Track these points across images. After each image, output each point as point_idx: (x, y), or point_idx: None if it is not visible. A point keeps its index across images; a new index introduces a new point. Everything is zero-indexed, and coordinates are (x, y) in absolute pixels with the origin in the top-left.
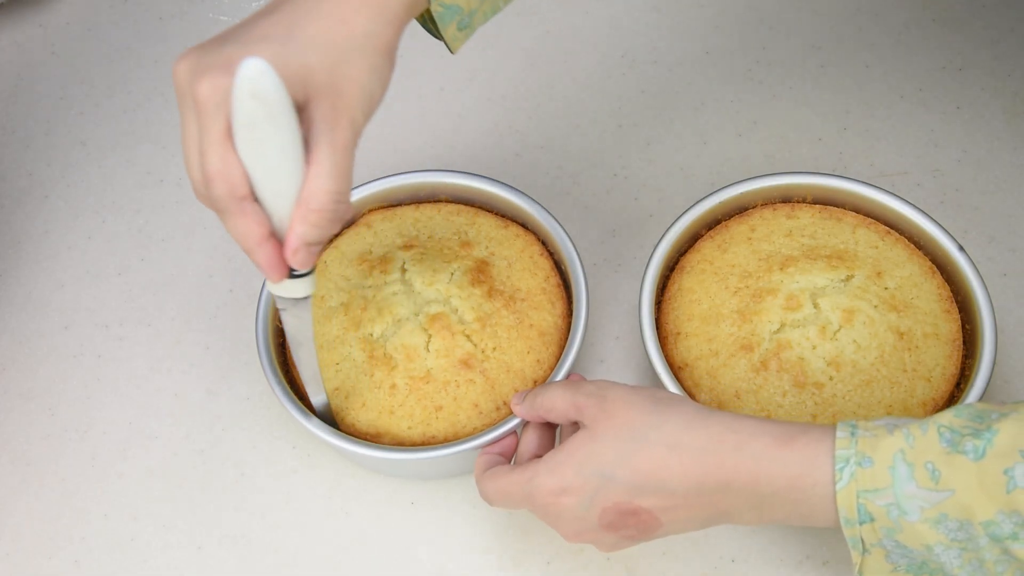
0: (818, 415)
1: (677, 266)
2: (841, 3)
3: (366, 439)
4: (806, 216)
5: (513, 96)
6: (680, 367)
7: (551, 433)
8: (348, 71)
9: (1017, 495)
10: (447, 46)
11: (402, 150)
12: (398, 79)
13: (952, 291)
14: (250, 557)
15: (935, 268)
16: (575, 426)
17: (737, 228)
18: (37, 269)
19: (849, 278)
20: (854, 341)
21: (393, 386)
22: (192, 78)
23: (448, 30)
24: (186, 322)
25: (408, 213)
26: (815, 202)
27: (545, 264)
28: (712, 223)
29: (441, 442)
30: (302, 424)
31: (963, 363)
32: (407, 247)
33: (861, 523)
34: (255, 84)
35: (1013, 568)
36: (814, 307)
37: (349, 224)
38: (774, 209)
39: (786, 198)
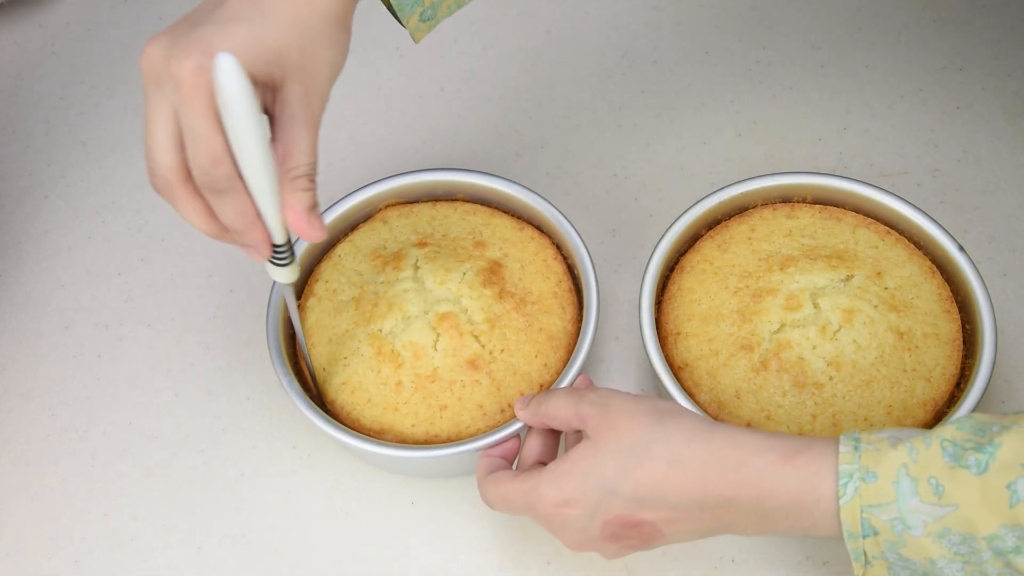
0: (818, 415)
1: (677, 266)
2: (841, 3)
3: (369, 435)
4: (806, 216)
5: (513, 96)
6: (680, 367)
7: (554, 439)
8: (317, 49)
9: (1020, 509)
10: (410, 35)
11: (402, 150)
12: (398, 79)
13: (952, 291)
14: (250, 557)
15: (935, 268)
16: (579, 434)
17: (737, 228)
18: (37, 269)
19: (849, 278)
20: (854, 341)
21: (399, 383)
22: (170, 60)
23: (410, 20)
24: (186, 322)
25: (424, 210)
26: (815, 202)
27: (558, 268)
28: (712, 223)
29: (444, 442)
30: (308, 417)
31: (963, 363)
32: (421, 244)
33: (865, 537)
34: (227, 76)
35: None
36: (814, 307)
37: (365, 218)
38: (774, 209)
39: (786, 198)
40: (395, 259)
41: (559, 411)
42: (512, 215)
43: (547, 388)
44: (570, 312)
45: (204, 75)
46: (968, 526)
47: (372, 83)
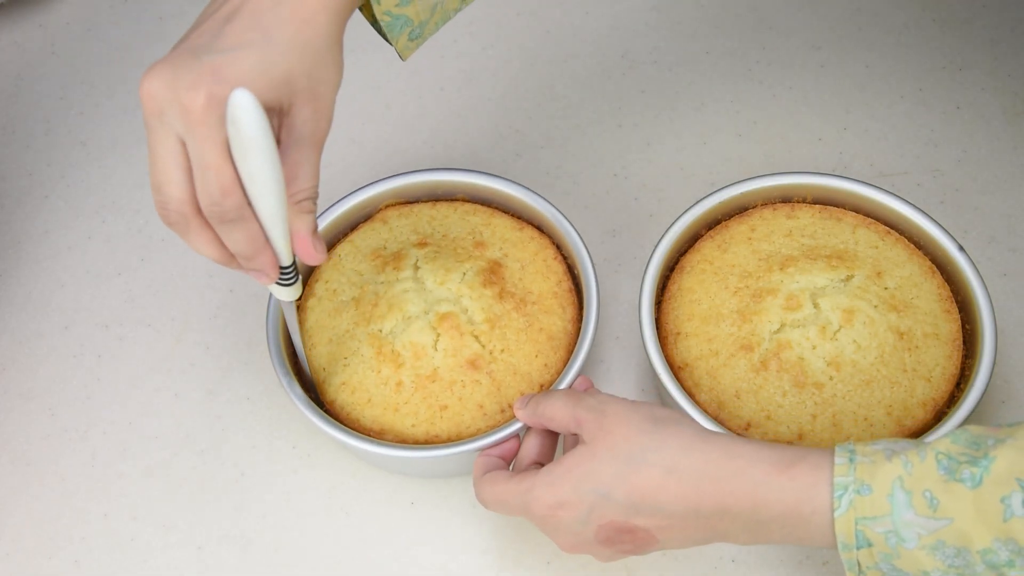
0: (818, 415)
1: (677, 266)
2: (841, 3)
3: (369, 435)
4: (806, 216)
5: (513, 96)
6: (680, 367)
7: (553, 440)
8: (322, 71)
9: (1014, 523)
10: (398, 54)
11: (402, 150)
12: (398, 79)
13: (952, 291)
14: (250, 557)
15: (935, 268)
16: (576, 436)
17: (737, 228)
18: (37, 269)
19: (849, 278)
20: (854, 341)
21: (399, 383)
22: (177, 92)
23: (399, 40)
24: (186, 322)
25: (424, 210)
26: (815, 202)
27: (558, 268)
28: (712, 223)
29: (444, 442)
30: (308, 418)
31: (963, 363)
32: (421, 244)
33: (859, 548)
34: (248, 114)
35: None
36: (814, 307)
37: (365, 218)
38: (774, 209)
39: (786, 198)
40: (395, 259)
41: (556, 413)
42: (512, 215)
43: (547, 388)
44: (570, 312)
45: (216, 106)
46: (962, 539)
47: (372, 83)
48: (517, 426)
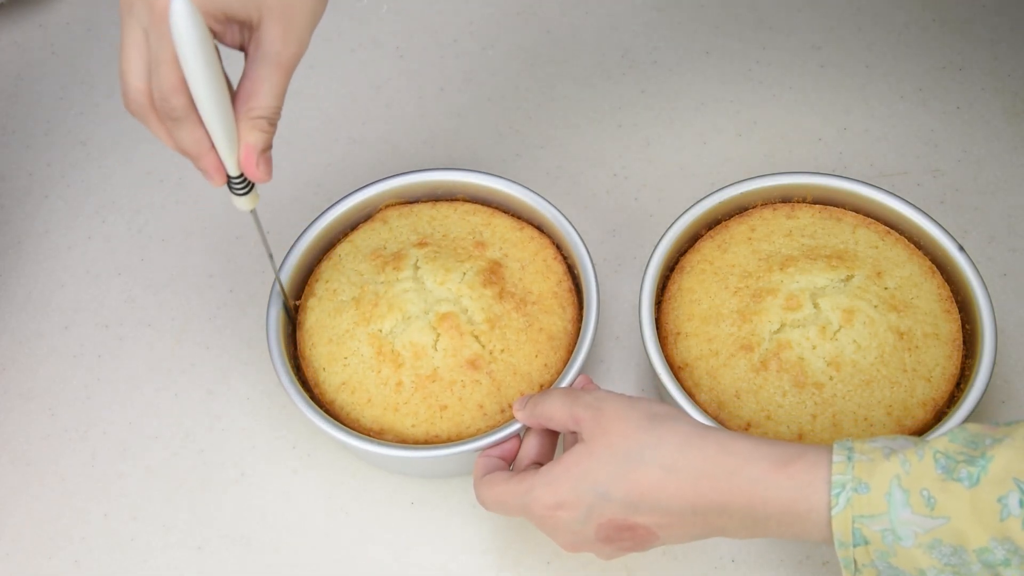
0: (818, 415)
1: (677, 266)
2: (841, 3)
3: (369, 435)
4: (806, 216)
5: (513, 96)
6: (680, 367)
7: (552, 439)
8: None
9: (1010, 523)
10: None
11: (402, 150)
12: (398, 79)
13: (952, 291)
14: (250, 557)
15: (935, 268)
16: (576, 435)
17: (737, 228)
18: (37, 269)
19: (849, 278)
20: (854, 341)
21: (399, 383)
22: None
23: None
24: (186, 322)
25: (424, 211)
26: (815, 202)
27: (558, 268)
28: (712, 223)
29: (444, 442)
30: (308, 418)
31: (963, 363)
32: (421, 244)
33: (856, 546)
34: (180, 19)
35: None
36: (814, 307)
37: (365, 219)
38: (774, 209)
39: (786, 198)
40: (395, 259)
41: (555, 412)
42: (512, 215)
43: (547, 388)
44: (570, 312)
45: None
46: (959, 538)
47: (372, 83)
48: (517, 426)
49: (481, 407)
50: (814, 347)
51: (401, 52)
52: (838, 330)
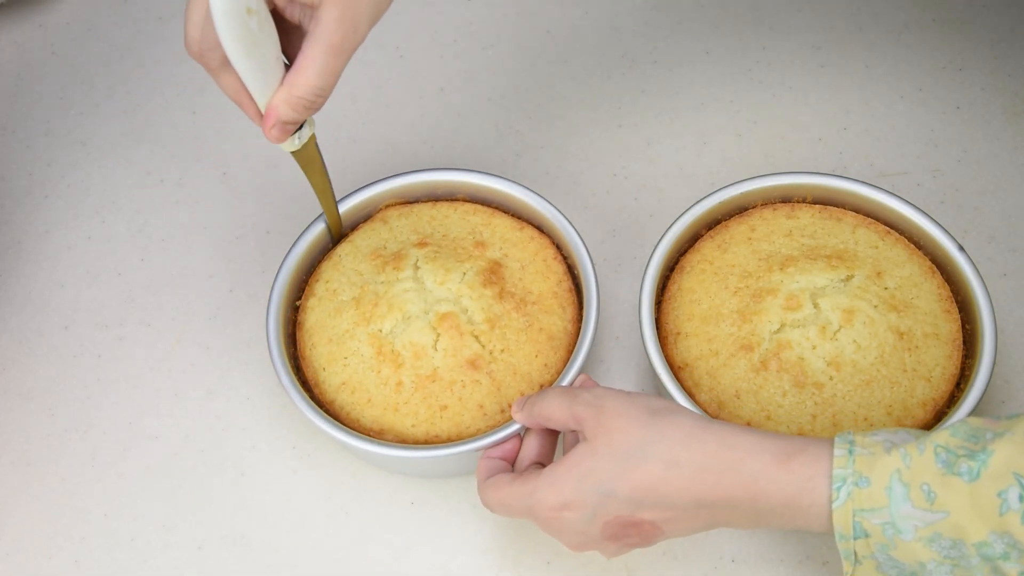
0: (818, 415)
1: (677, 266)
2: (841, 3)
3: (369, 435)
4: (806, 216)
5: (513, 96)
6: (680, 367)
7: (553, 439)
8: None
9: (1010, 517)
10: None
11: (402, 150)
12: (398, 79)
13: (952, 291)
14: (250, 557)
15: (935, 268)
16: (576, 433)
17: (737, 228)
18: (37, 269)
19: (849, 278)
20: (854, 341)
21: (399, 383)
22: None
23: None
24: (186, 322)
25: (424, 210)
26: (815, 202)
27: (558, 268)
28: (712, 223)
29: (444, 442)
30: (308, 418)
31: (963, 363)
32: (421, 244)
33: (856, 538)
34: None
35: None
36: (814, 307)
37: (365, 219)
38: (774, 209)
39: (786, 198)
40: (395, 259)
41: (554, 412)
42: (512, 215)
43: (545, 388)
44: (570, 312)
45: None
46: (958, 532)
47: (372, 83)
48: (517, 426)
49: (481, 407)
50: (814, 347)
51: (401, 52)
52: (838, 330)
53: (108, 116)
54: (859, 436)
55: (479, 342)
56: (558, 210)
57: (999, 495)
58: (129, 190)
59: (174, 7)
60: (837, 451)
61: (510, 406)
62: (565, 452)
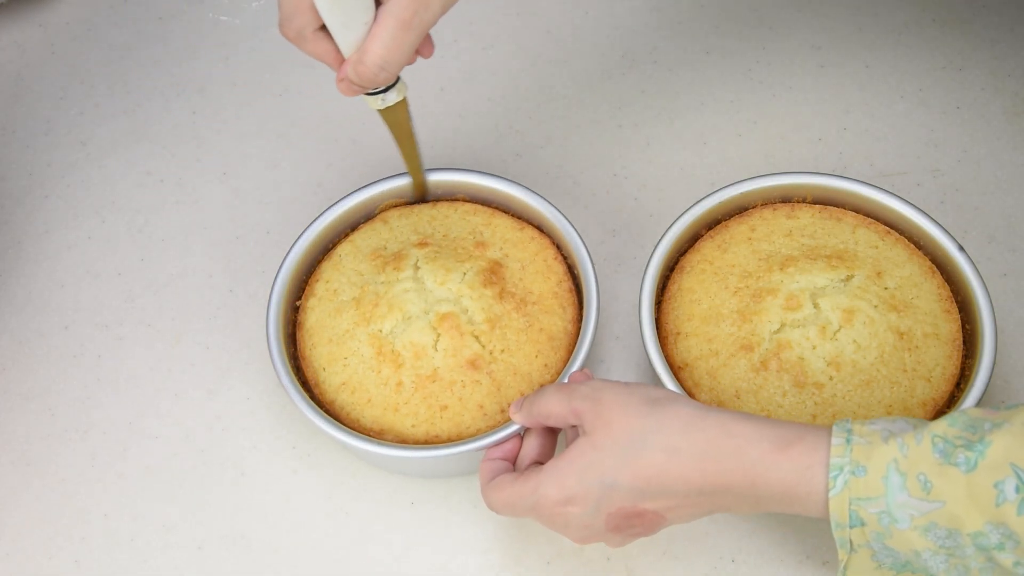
0: (818, 415)
1: (677, 266)
2: (841, 3)
3: (369, 435)
4: (806, 216)
5: (513, 96)
6: (680, 367)
7: (552, 437)
8: None
9: (1006, 508)
10: None
11: None
12: None
13: (952, 291)
14: (250, 557)
15: (935, 268)
16: (576, 429)
17: (737, 228)
18: (37, 269)
19: (849, 278)
20: (854, 341)
21: (399, 383)
22: None
23: None
24: (186, 322)
25: (425, 211)
26: (815, 202)
27: (559, 268)
28: (712, 223)
29: (444, 442)
30: (308, 418)
31: (963, 363)
32: (421, 244)
33: (852, 527)
34: None
35: (996, 573)
36: (814, 307)
37: (365, 219)
38: (774, 209)
39: (786, 198)
40: (395, 259)
41: (553, 409)
42: (512, 215)
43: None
44: (570, 312)
45: None
46: (954, 522)
47: None
48: (517, 426)
49: (481, 407)
50: (814, 347)
51: None
52: (838, 330)
53: (108, 116)
54: (857, 425)
55: (479, 342)
56: (558, 210)
57: (995, 486)
58: (129, 190)
59: (174, 7)
60: (835, 440)
61: (510, 406)
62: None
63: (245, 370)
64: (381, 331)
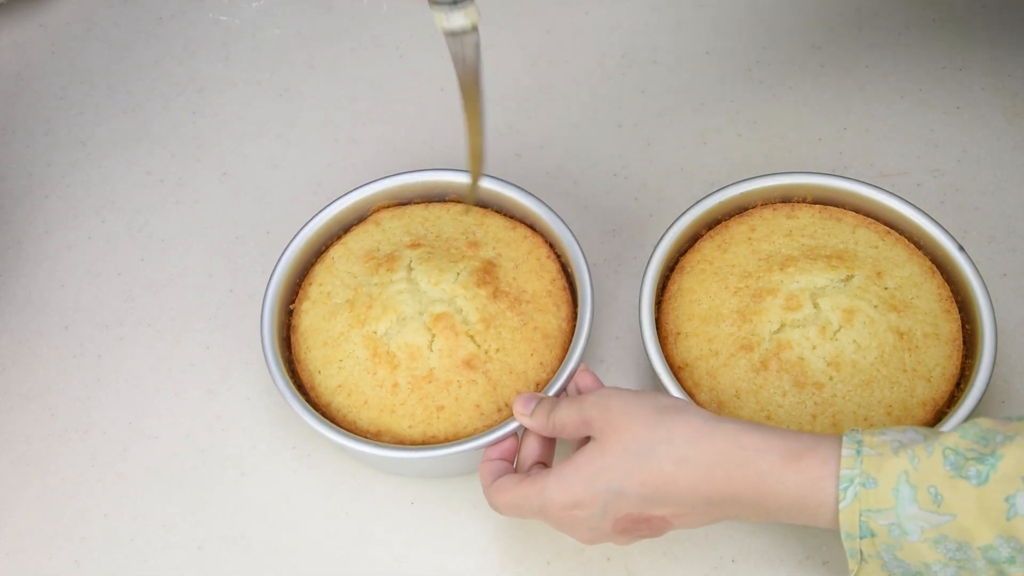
0: (818, 415)
1: (677, 266)
2: (841, 3)
3: (366, 437)
4: (806, 216)
5: (513, 96)
6: (680, 367)
7: (552, 438)
8: None
9: (1017, 522)
10: None
11: (402, 150)
12: (398, 79)
13: (952, 291)
14: (250, 557)
15: (935, 268)
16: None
17: (737, 228)
18: (37, 269)
19: (849, 278)
20: (854, 341)
21: (395, 385)
22: None
23: None
24: (186, 322)
25: (417, 212)
26: (815, 202)
27: (552, 267)
28: (712, 223)
29: (442, 442)
30: (304, 420)
31: (963, 363)
32: (414, 246)
33: (862, 538)
34: None
35: None
36: (814, 307)
37: (358, 221)
38: (774, 209)
39: (786, 198)
40: (389, 261)
41: (567, 421)
42: (505, 215)
43: (544, 386)
44: (565, 310)
45: None
46: (964, 535)
47: (372, 83)
48: (514, 425)
49: (478, 407)
50: (814, 347)
51: (401, 52)
52: (838, 330)
53: (108, 116)
54: (867, 436)
55: (474, 342)
56: (550, 208)
57: (1007, 500)
58: (129, 190)
59: (174, 7)
60: (845, 451)
61: (507, 405)
62: (574, 450)
63: (245, 370)
64: (376, 333)
